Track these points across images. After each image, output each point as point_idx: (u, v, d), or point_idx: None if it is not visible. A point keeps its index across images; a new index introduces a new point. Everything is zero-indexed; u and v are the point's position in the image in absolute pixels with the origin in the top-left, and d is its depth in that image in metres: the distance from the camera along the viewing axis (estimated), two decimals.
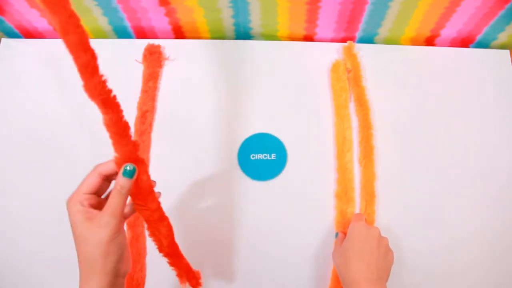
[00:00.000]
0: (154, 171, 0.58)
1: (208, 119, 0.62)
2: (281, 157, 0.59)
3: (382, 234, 0.51)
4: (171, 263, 0.44)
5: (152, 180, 0.40)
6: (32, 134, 0.61)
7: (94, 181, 0.37)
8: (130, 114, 0.60)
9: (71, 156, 0.59)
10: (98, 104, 0.36)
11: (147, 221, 0.40)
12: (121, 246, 0.36)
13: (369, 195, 0.57)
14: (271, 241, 0.56)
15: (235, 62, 0.65)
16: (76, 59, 0.34)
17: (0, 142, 0.60)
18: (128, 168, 0.36)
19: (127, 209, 0.40)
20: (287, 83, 0.64)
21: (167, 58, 0.65)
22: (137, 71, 0.64)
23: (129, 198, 0.38)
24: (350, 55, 0.64)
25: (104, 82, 0.36)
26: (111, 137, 0.36)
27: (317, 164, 0.60)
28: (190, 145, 0.60)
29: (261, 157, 0.59)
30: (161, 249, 0.42)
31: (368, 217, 0.56)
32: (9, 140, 0.60)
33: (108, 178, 0.38)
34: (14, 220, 0.57)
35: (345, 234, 0.53)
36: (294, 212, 0.58)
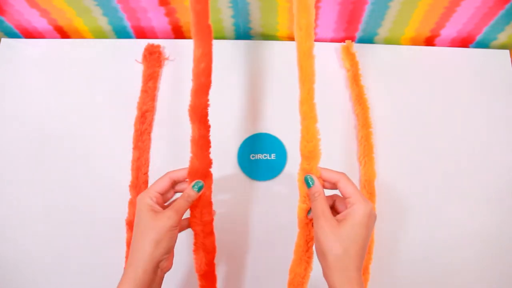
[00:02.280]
0: (154, 171, 0.58)
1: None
2: (281, 157, 0.59)
3: (382, 234, 0.51)
4: (202, 285, 0.47)
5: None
6: (32, 134, 0.61)
7: (164, 184, 0.43)
8: (130, 114, 0.61)
9: (71, 156, 0.59)
10: (195, 121, 0.43)
11: (197, 235, 0.45)
12: (172, 241, 0.40)
13: (369, 193, 0.57)
14: (271, 241, 0.56)
15: (235, 62, 0.65)
16: (197, 81, 0.42)
17: (0, 141, 0.60)
18: (199, 184, 0.43)
19: (183, 222, 0.46)
20: (287, 83, 0.64)
21: (167, 58, 0.65)
22: (137, 71, 0.64)
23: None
24: (349, 54, 0.64)
25: (208, 105, 0.43)
26: (194, 150, 0.43)
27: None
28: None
29: (261, 157, 0.59)
30: (198, 269, 0.46)
31: None
32: (9, 140, 0.60)
33: (174, 183, 0.44)
34: (14, 220, 0.57)
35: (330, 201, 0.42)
36: (294, 212, 0.57)
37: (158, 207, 0.42)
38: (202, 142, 0.43)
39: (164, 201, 0.44)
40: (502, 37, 0.66)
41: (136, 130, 0.60)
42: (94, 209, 0.57)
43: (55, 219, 0.57)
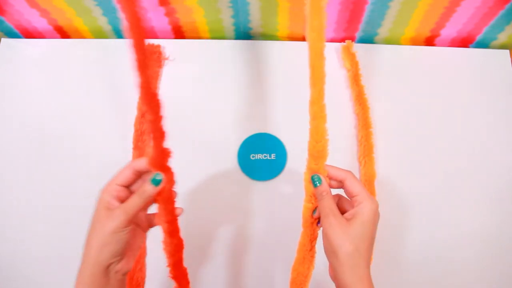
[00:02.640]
0: None
1: (208, 119, 0.62)
2: (281, 157, 0.59)
3: (383, 234, 0.51)
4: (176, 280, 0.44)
5: (174, 191, 0.41)
6: (32, 133, 0.61)
7: (126, 174, 0.39)
8: (130, 114, 0.61)
9: (71, 155, 0.59)
10: (148, 109, 0.39)
11: (164, 232, 0.41)
12: (121, 243, 0.37)
13: (369, 193, 0.57)
14: (271, 241, 0.56)
15: (235, 62, 0.65)
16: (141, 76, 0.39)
17: (0, 141, 0.60)
18: (157, 177, 0.38)
19: (150, 218, 0.42)
20: (287, 83, 0.64)
21: (167, 58, 0.65)
22: None
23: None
24: (349, 54, 0.64)
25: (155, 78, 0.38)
26: (151, 139, 0.39)
27: None
28: (190, 145, 0.60)
29: (261, 157, 0.59)
30: (170, 262, 0.43)
31: None
32: (9, 140, 0.60)
33: (139, 174, 0.40)
34: (14, 220, 0.57)
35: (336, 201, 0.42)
36: (294, 212, 0.57)
37: (114, 203, 0.38)
38: (156, 132, 0.39)
39: (125, 195, 0.40)
40: (502, 37, 0.66)
41: (136, 130, 0.60)
42: (94, 209, 0.57)
43: (55, 219, 0.57)
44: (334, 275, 0.38)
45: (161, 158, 0.39)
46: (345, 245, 0.36)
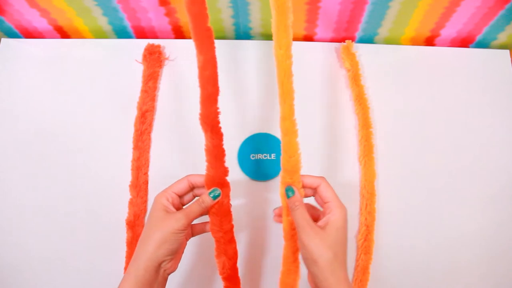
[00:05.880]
0: (154, 171, 0.58)
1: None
2: None
3: (383, 233, 0.51)
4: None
5: (230, 204, 0.45)
6: (32, 133, 0.61)
7: (182, 186, 0.44)
8: (130, 114, 0.61)
9: (71, 155, 0.59)
10: (207, 130, 0.42)
11: (218, 242, 0.45)
12: (178, 243, 0.40)
13: (369, 193, 0.57)
14: (271, 241, 0.56)
15: (235, 62, 0.65)
16: (204, 90, 0.41)
17: (0, 141, 0.60)
18: (216, 192, 0.43)
19: (198, 227, 0.47)
20: None
21: (167, 58, 0.65)
22: (137, 71, 0.64)
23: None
24: (349, 54, 0.64)
25: (218, 113, 0.42)
26: (209, 160, 0.43)
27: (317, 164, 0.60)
28: (190, 145, 0.60)
29: (261, 157, 0.59)
30: (222, 272, 0.46)
31: (368, 215, 0.56)
32: (9, 140, 0.60)
33: (193, 187, 0.45)
34: (14, 220, 0.57)
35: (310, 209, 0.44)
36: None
37: (171, 208, 0.42)
38: (216, 151, 0.43)
39: (181, 203, 0.45)
40: (502, 37, 0.66)
41: (136, 130, 0.60)
42: (94, 209, 0.57)
43: (55, 219, 0.57)
44: (315, 282, 0.39)
45: (219, 176, 0.43)
46: (325, 253, 0.38)
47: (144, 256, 0.39)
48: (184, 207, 0.44)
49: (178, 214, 0.41)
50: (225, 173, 0.44)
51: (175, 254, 0.41)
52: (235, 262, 0.47)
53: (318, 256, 0.37)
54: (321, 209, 0.44)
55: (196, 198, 0.44)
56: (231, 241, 0.46)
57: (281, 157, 0.43)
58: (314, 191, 0.43)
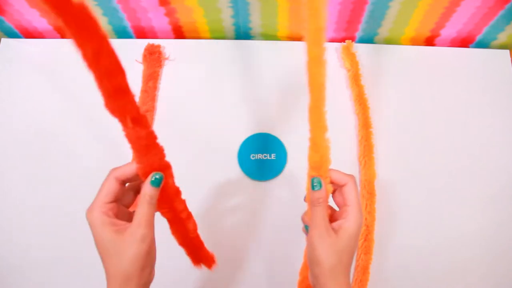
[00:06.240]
0: None
1: (208, 119, 0.62)
2: (281, 157, 0.59)
3: (383, 234, 0.51)
4: (190, 252, 0.43)
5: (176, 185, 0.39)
6: (32, 133, 0.61)
7: (112, 188, 0.35)
8: None
9: (71, 155, 0.59)
10: (125, 121, 0.35)
11: (171, 222, 0.39)
12: (154, 256, 0.35)
13: (369, 193, 0.57)
14: (271, 241, 0.56)
15: (235, 62, 0.65)
16: (108, 83, 0.33)
17: (0, 141, 0.60)
18: (157, 177, 0.35)
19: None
20: (287, 83, 0.64)
21: (167, 58, 0.65)
22: (137, 71, 0.64)
23: None
24: (349, 54, 0.64)
25: (134, 99, 0.35)
26: (136, 149, 0.35)
27: None
28: (190, 145, 0.60)
29: (261, 157, 0.59)
30: (182, 242, 0.42)
31: (368, 215, 0.56)
32: (9, 140, 0.60)
33: (124, 182, 0.36)
34: (14, 220, 0.57)
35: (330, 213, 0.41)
36: (294, 212, 0.57)
37: (119, 223, 0.34)
38: (144, 140, 0.36)
39: (125, 205, 0.37)
40: (502, 37, 0.66)
41: None
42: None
43: (55, 219, 0.57)
44: (314, 282, 0.38)
45: (158, 161, 0.36)
46: (332, 258, 0.36)
47: (127, 285, 0.33)
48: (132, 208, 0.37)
49: (138, 231, 0.33)
50: (162, 154, 0.37)
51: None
52: (197, 233, 0.42)
53: (323, 259, 0.36)
54: (337, 208, 0.41)
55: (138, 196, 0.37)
56: (189, 216, 0.41)
57: (308, 152, 0.40)
58: (337, 188, 0.40)
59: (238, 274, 0.55)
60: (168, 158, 0.59)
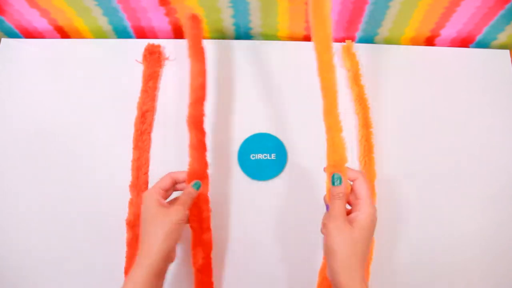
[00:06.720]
0: (154, 171, 0.58)
1: (208, 119, 0.62)
2: (281, 157, 0.59)
3: (383, 234, 0.51)
4: (198, 279, 0.50)
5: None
6: (32, 133, 0.61)
7: (167, 182, 0.47)
8: (130, 114, 0.61)
9: (71, 155, 0.59)
10: (193, 129, 0.49)
11: (195, 232, 0.49)
12: (180, 233, 0.44)
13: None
14: (271, 241, 0.56)
15: (235, 62, 0.65)
16: (194, 94, 0.50)
17: (0, 141, 0.60)
18: (198, 183, 0.48)
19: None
20: (287, 83, 0.64)
21: (167, 58, 0.65)
22: (137, 71, 0.64)
23: None
24: (349, 54, 0.64)
25: (204, 114, 0.50)
26: (192, 154, 0.49)
27: (317, 164, 0.60)
28: None
29: (261, 157, 0.59)
30: (195, 262, 0.49)
31: None
32: (9, 140, 0.60)
33: (175, 183, 0.49)
34: (14, 220, 0.57)
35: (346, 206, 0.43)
36: (294, 212, 0.58)
37: (164, 202, 0.45)
38: (200, 146, 0.49)
39: (165, 198, 0.47)
40: (502, 37, 0.66)
41: (136, 130, 0.60)
42: (94, 209, 0.57)
43: (55, 219, 0.57)
44: (330, 274, 0.40)
45: (201, 169, 0.49)
46: (346, 249, 0.39)
47: (154, 248, 0.41)
48: (166, 200, 0.47)
49: (176, 206, 0.44)
50: (206, 166, 0.50)
51: (175, 246, 0.44)
52: (210, 252, 0.51)
53: (338, 249, 0.39)
54: (349, 207, 0.44)
55: (180, 192, 0.48)
56: (208, 230, 0.51)
57: (326, 153, 0.44)
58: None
59: (237, 273, 0.55)
60: (168, 158, 0.59)
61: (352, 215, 0.41)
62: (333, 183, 0.42)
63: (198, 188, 0.47)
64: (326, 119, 0.43)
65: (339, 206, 0.41)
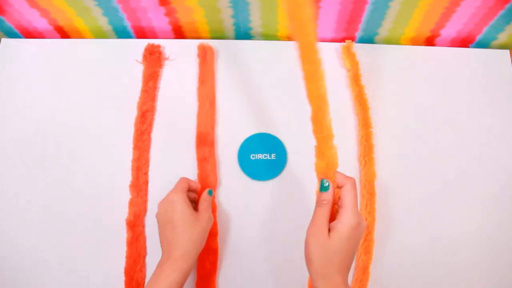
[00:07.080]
0: (154, 171, 0.58)
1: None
2: (281, 157, 0.59)
3: (382, 234, 0.51)
4: (201, 284, 0.53)
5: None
6: (32, 133, 0.61)
7: (186, 186, 0.50)
8: (130, 114, 0.61)
9: (71, 155, 0.59)
10: (207, 147, 0.58)
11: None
12: (206, 240, 0.48)
13: (369, 193, 0.57)
14: (271, 241, 0.56)
15: (235, 62, 0.65)
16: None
17: (0, 141, 0.60)
18: (211, 190, 0.53)
19: None
20: (287, 83, 0.64)
21: (167, 58, 0.65)
22: (137, 71, 0.64)
23: None
24: (349, 54, 0.64)
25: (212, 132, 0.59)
26: (208, 169, 0.57)
27: None
28: (190, 145, 0.60)
29: (261, 157, 0.59)
30: (202, 269, 0.53)
31: (368, 215, 0.56)
32: (9, 140, 0.60)
33: (189, 188, 0.52)
34: (14, 220, 0.57)
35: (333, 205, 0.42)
36: (294, 212, 0.58)
37: (191, 206, 0.48)
38: (212, 161, 0.57)
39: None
40: (502, 37, 0.66)
41: (136, 130, 0.60)
42: (94, 209, 0.57)
43: (55, 219, 0.57)
44: (311, 281, 0.40)
45: (213, 181, 0.57)
46: (321, 257, 0.39)
47: (192, 253, 0.44)
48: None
49: (206, 214, 0.48)
50: (216, 177, 0.57)
51: None
52: (217, 257, 0.54)
53: (314, 258, 0.39)
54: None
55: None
56: (215, 235, 0.54)
57: (315, 159, 0.43)
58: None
59: (237, 273, 0.55)
60: (168, 158, 0.59)
61: (332, 223, 0.40)
62: (320, 189, 0.42)
63: (211, 195, 0.52)
64: (314, 128, 0.42)
65: (320, 214, 0.40)
